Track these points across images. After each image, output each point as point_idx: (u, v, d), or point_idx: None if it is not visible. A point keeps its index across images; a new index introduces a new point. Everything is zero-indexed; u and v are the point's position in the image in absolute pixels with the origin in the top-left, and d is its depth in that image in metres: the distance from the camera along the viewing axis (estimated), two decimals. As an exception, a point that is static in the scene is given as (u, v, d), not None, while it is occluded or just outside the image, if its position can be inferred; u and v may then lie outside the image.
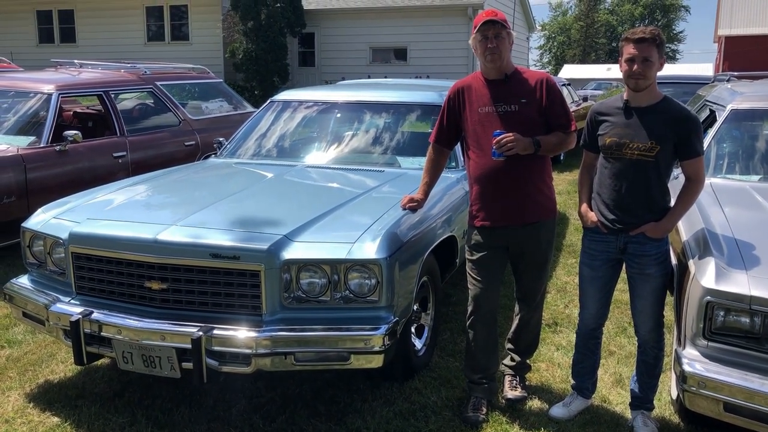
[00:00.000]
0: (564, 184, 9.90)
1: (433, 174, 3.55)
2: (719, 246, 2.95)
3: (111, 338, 3.14)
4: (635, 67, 2.90)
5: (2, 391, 3.57)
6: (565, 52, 60.04)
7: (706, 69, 31.70)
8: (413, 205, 3.51)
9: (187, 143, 7.34)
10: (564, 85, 12.96)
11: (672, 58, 59.64)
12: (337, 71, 21.24)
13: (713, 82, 6.81)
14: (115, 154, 6.46)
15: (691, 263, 2.97)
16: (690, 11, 70.22)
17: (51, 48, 23.70)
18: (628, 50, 2.92)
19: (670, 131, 2.92)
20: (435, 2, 21.31)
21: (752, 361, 2.66)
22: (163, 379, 3.54)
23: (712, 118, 4.75)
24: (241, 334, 2.98)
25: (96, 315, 3.16)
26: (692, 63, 44.00)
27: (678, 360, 2.79)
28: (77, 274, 3.34)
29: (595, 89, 25.75)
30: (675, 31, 62.08)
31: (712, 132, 4.42)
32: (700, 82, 8.76)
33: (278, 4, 20.07)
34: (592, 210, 3.18)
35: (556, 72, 45.86)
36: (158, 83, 7.46)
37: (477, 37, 3.18)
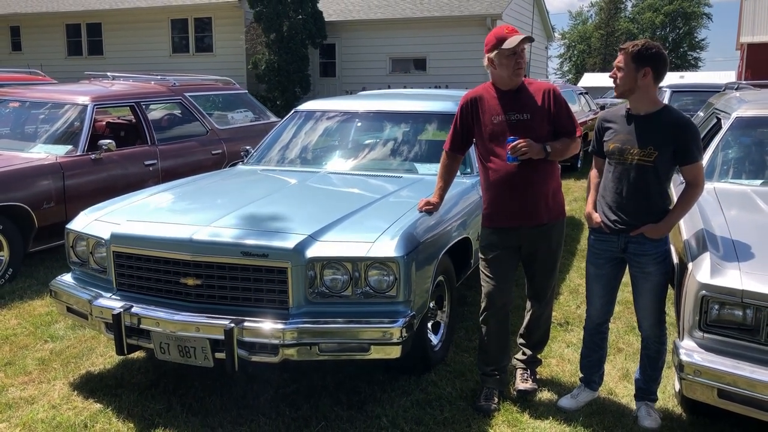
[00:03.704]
0: (580, 190, 10.05)
1: (448, 178, 3.76)
2: (716, 245, 3.14)
3: (149, 330, 3.39)
4: (611, 72, 3.25)
5: (48, 381, 3.85)
6: (585, 60, 59.96)
7: (728, 77, 31.47)
8: (429, 208, 3.73)
9: (214, 152, 7.64)
10: (581, 93, 13.17)
11: (694, 66, 59.39)
12: (358, 81, 21.58)
13: (723, 90, 6.96)
14: (147, 162, 6.78)
15: (689, 260, 3.16)
16: (712, 18, 69.61)
17: (79, 60, 24.37)
18: None
19: (668, 138, 3.12)
20: (454, 13, 21.57)
21: (745, 351, 2.84)
22: (195, 370, 3.80)
23: (718, 126, 4.92)
24: (270, 325, 3.22)
25: (136, 309, 3.42)
26: (715, 71, 43.75)
27: (676, 351, 2.98)
28: (118, 271, 3.61)
29: (614, 98, 25.76)
30: (697, 39, 61.82)
31: (717, 139, 4.60)
32: (713, 91, 8.89)
33: (300, 16, 20.47)
34: (597, 211, 3.39)
35: (576, 80, 45.83)
36: (186, 94, 7.78)
37: (504, 53, 3.34)
